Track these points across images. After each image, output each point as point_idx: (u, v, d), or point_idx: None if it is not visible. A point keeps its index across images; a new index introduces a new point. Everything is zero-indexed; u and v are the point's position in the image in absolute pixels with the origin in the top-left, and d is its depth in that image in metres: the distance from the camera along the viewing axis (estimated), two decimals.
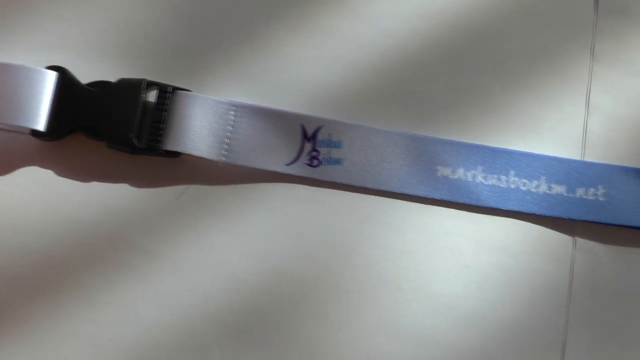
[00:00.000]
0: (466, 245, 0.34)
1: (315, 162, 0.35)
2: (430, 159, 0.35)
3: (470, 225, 0.35)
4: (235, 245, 0.34)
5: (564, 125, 0.36)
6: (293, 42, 0.36)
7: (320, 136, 0.35)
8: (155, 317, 0.33)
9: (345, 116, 0.35)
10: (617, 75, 0.36)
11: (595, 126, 0.36)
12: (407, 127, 0.35)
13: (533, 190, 0.35)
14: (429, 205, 0.35)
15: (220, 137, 0.34)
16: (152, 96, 0.34)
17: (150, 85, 0.34)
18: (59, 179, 0.34)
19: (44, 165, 0.35)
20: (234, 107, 0.35)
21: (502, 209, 0.35)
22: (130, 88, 0.34)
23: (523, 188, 0.35)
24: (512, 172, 0.35)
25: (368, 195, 0.35)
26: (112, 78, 0.34)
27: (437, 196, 0.35)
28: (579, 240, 0.35)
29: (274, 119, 0.35)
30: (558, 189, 0.35)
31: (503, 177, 0.35)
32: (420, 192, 0.35)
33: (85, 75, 0.34)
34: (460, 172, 0.35)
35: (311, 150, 0.35)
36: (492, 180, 0.35)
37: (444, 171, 0.35)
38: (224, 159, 0.34)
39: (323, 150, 0.35)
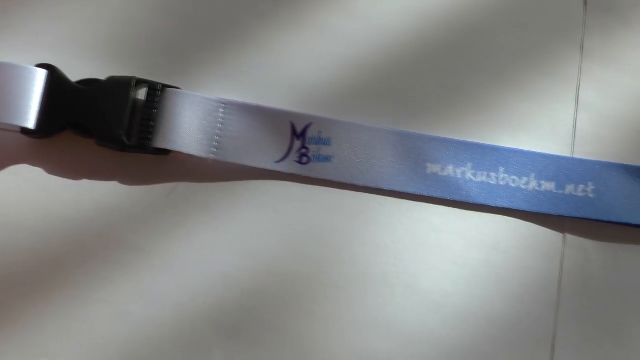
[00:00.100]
0: (456, 242, 0.34)
1: (304, 159, 0.35)
2: (419, 156, 0.35)
3: (459, 222, 0.35)
4: (225, 242, 0.34)
5: (553, 122, 0.36)
6: (283, 40, 0.36)
7: (310, 133, 0.35)
8: (145, 315, 0.33)
9: (334, 113, 0.35)
10: (607, 72, 0.36)
11: (585, 123, 0.36)
12: (397, 124, 0.35)
13: (523, 187, 0.35)
14: (418, 202, 0.35)
15: (209, 134, 0.34)
16: (141, 94, 0.35)
17: (140, 83, 0.34)
18: (49, 177, 0.34)
19: (33, 163, 0.35)
20: (224, 105, 0.35)
21: (492, 206, 0.35)
22: (119, 86, 0.34)
23: (513, 185, 0.35)
24: (501, 169, 0.35)
25: (357, 193, 0.35)
26: (102, 76, 0.34)
27: (426, 193, 0.35)
28: (569, 236, 0.35)
29: (263, 117, 0.35)
30: (548, 185, 0.35)
31: (492, 174, 0.35)
32: (410, 189, 0.35)
33: (74, 73, 0.34)
34: (450, 169, 0.35)
35: (300, 147, 0.35)
36: (481, 177, 0.35)
37: (434, 168, 0.35)
38: (213, 156, 0.34)
39: (312, 148, 0.35)
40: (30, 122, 0.34)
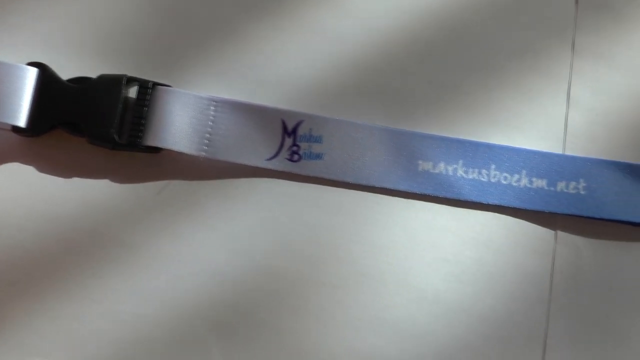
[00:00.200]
0: (447, 240, 0.34)
1: (295, 157, 0.35)
2: (411, 154, 0.35)
3: (451, 220, 0.35)
4: (216, 240, 0.34)
5: (544, 120, 0.36)
6: (274, 37, 0.36)
7: (301, 131, 0.35)
8: (138, 313, 0.33)
9: (325, 111, 0.35)
10: (598, 69, 0.36)
11: (576, 120, 0.36)
12: (388, 121, 0.35)
13: (514, 184, 0.35)
14: (410, 200, 0.35)
15: (201, 132, 0.34)
16: (132, 92, 0.35)
17: (131, 81, 0.34)
18: (40, 175, 0.34)
19: (24, 161, 0.35)
20: (215, 103, 0.35)
21: (483, 203, 0.35)
22: (110, 84, 0.34)
23: (504, 182, 0.35)
24: (493, 166, 0.35)
25: (349, 190, 0.35)
26: (93, 74, 0.34)
27: (418, 191, 0.35)
28: (561, 233, 0.35)
29: (254, 114, 0.35)
30: (539, 182, 0.35)
31: (484, 171, 0.35)
32: (401, 187, 0.35)
33: (65, 71, 0.34)
34: (441, 167, 0.35)
35: (292, 145, 0.35)
36: (473, 175, 0.35)
37: (425, 165, 0.35)
38: (204, 154, 0.34)
39: (303, 145, 0.35)
40: (21, 120, 0.34)
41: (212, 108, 0.35)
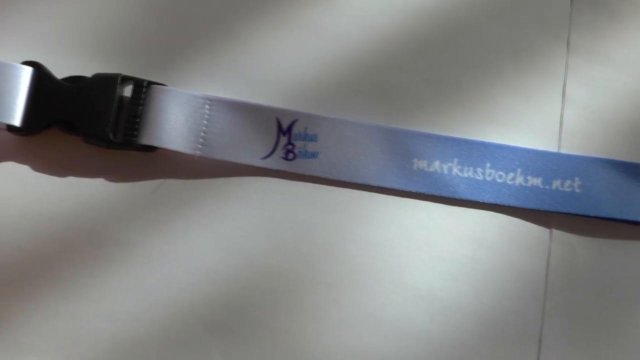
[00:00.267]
0: (442, 238, 0.34)
1: (290, 155, 0.35)
2: (406, 152, 0.35)
3: (446, 218, 0.35)
4: (211, 238, 0.34)
5: (540, 118, 0.36)
6: (268, 36, 0.36)
7: (296, 129, 0.35)
8: (132, 311, 0.33)
9: (321, 109, 0.35)
10: (593, 67, 0.36)
11: (571, 118, 0.36)
12: (383, 120, 0.35)
13: (509, 182, 0.35)
14: (405, 198, 0.35)
15: (196, 131, 0.34)
16: (127, 91, 0.35)
17: (126, 79, 0.34)
18: (35, 174, 0.34)
19: (20, 160, 0.35)
20: (210, 101, 0.35)
21: (479, 202, 0.35)
22: (105, 83, 0.34)
23: (499, 180, 0.35)
24: (488, 165, 0.35)
25: (344, 189, 0.35)
26: (88, 73, 0.34)
27: (413, 189, 0.35)
28: (556, 232, 0.35)
29: (249, 113, 0.35)
30: (534, 181, 0.35)
31: (479, 170, 0.35)
32: (396, 185, 0.35)
33: (60, 70, 0.34)
34: (437, 165, 0.35)
35: (287, 143, 0.35)
36: (468, 173, 0.35)
37: (420, 164, 0.35)
38: (199, 152, 0.34)
39: (298, 144, 0.35)
40: (16, 120, 0.34)
41: (207, 107, 0.35)
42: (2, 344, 0.33)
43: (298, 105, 0.35)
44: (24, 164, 0.35)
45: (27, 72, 0.34)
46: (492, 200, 0.35)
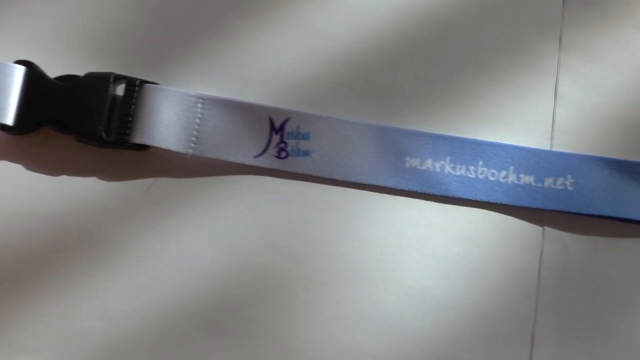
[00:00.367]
0: (435, 236, 0.34)
1: (283, 154, 0.35)
2: (398, 150, 0.35)
3: (438, 216, 0.35)
4: (204, 237, 0.34)
5: (532, 116, 0.36)
6: (262, 34, 0.36)
7: (288, 128, 0.35)
8: (125, 310, 0.33)
9: (313, 108, 0.35)
10: (585, 65, 0.36)
11: (564, 116, 0.36)
12: (376, 118, 0.35)
13: (502, 180, 0.35)
14: (397, 197, 0.35)
15: (188, 129, 0.34)
16: (120, 90, 0.35)
17: (118, 78, 0.34)
18: (28, 173, 0.34)
19: (12, 159, 0.35)
20: (202, 100, 0.35)
21: (471, 200, 0.35)
22: (98, 82, 0.34)
23: (492, 178, 0.35)
24: (480, 163, 0.35)
25: (336, 187, 0.35)
26: (80, 72, 0.34)
27: (405, 187, 0.35)
28: (548, 229, 0.35)
29: (241, 111, 0.35)
30: (526, 179, 0.35)
31: (471, 168, 0.35)
32: (389, 183, 0.35)
33: (53, 69, 0.34)
34: (429, 163, 0.35)
35: (279, 142, 0.35)
36: (460, 171, 0.35)
37: (413, 162, 0.35)
38: (192, 151, 0.34)
39: (291, 142, 0.35)
40: (9, 119, 0.34)
41: (200, 105, 0.35)
42: None
43: (290, 103, 0.35)
44: (17, 163, 0.35)
45: (19, 71, 0.34)
46: (484, 198, 0.35)
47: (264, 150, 0.35)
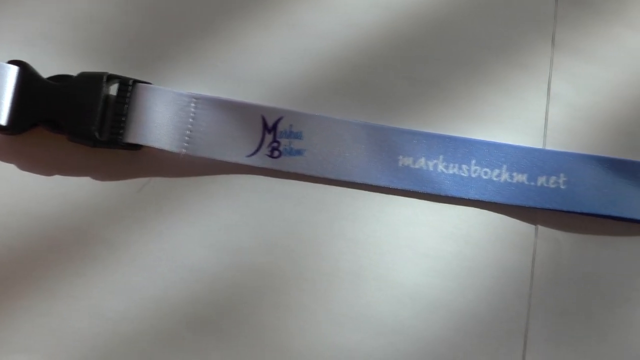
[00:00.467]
0: (428, 235, 0.35)
1: (276, 153, 0.35)
2: (391, 149, 0.35)
3: (431, 215, 0.35)
4: (197, 236, 0.34)
5: (525, 114, 0.36)
6: (253, 34, 0.37)
7: (281, 127, 0.35)
8: (118, 310, 0.33)
9: (306, 107, 0.35)
10: (578, 64, 0.36)
11: (557, 115, 0.36)
12: (369, 117, 0.35)
13: (494, 179, 0.35)
14: (390, 195, 0.35)
15: (181, 129, 0.34)
16: (113, 90, 0.35)
17: (112, 78, 0.35)
18: (21, 173, 0.35)
19: (5, 159, 0.35)
20: (195, 99, 0.35)
21: (464, 198, 0.35)
22: (91, 81, 0.34)
23: (484, 177, 0.35)
24: (473, 161, 0.35)
25: (329, 186, 0.35)
26: (73, 72, 0.34)
27: (398, 186, 0.35)
28: (541, 228, 0.35)
29: (234, 111, 0.35)
30: (519, 177, 0.35)
31: (464, 167, 0.35)
32: (382, 182, 0.35)
33: (46, 69, 0.35)
34: (422, 162, 0.35)
35: (272, 141, 0.35)
36: (453, 170, 0.35)
37: (406, 161, 0.35)
38: (185, 151, 0.34)
39: (284, 141, 0.35)
40: (2, 119, 0.34)
41: (193, 105, 0.35)
42: None
43: (283, 102, 0.35)
44: (10, 162, 0.35)
45: (12, 71, 0.34)
46: (477, 197, 0.35)
47: (257, 150, 0.35)
